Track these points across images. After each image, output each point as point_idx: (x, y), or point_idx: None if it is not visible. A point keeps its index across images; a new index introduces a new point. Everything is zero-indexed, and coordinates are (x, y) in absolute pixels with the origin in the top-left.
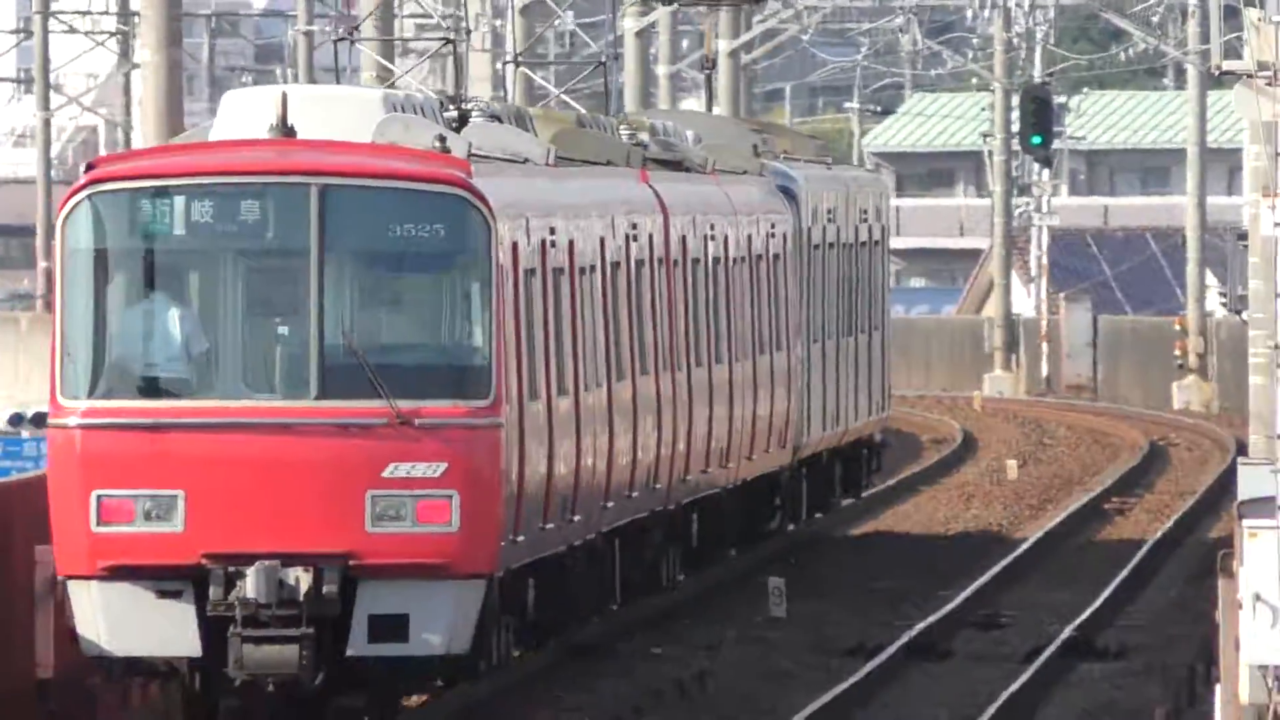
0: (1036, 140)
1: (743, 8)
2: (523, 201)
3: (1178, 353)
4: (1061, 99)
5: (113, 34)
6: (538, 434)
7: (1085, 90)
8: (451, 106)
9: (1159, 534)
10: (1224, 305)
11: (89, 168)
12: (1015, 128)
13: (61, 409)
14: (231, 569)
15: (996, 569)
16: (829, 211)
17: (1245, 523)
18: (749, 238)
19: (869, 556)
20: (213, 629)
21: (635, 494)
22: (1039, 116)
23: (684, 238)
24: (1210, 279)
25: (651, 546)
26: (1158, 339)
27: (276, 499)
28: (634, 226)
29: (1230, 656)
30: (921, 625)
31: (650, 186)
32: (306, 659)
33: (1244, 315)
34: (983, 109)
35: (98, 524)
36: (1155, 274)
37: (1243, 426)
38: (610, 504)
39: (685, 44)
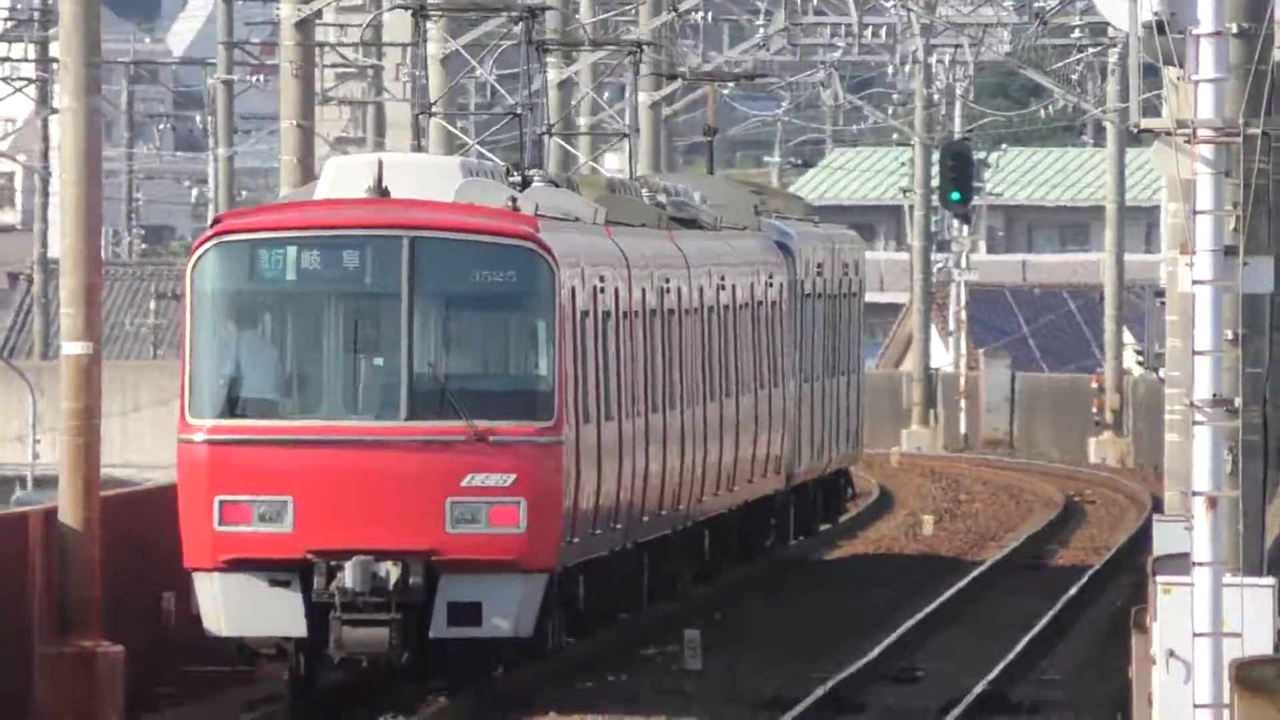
0: (955, 196)
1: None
2: (578, 254)
3: (1095, 409)
4: (981, 155)
5: (31, 81)
6: (590, 452)
7: (1004, 146)
8: (515, 173)
9: (1074, 589)
10: (1140, 363)
11: (215, 222)
12: (935, 183)
13: (190, 427)
14: (332, 563)
15: (912, 622)
16: (818, 265)
17: (1159, 579)
18: (752, 287)
19: (787, 608)
20: (316, 614)
21: (664, 511)
22: (958, 172)
23: (702, 288)
24: (1127, 336)
25: (673, 558)
26: (1075, 395)
27: (371, 504)
28: (666, 280)
29: (1144, 712)
30: (837, 679)
31: (676, 244)
32: (395, 640)
33: (1161, 373)
34: (902, 164)
35: (220, 524)
36: (1072, 330)
37: (1157, 482)
38: (645, 518)
39: (606, 95)
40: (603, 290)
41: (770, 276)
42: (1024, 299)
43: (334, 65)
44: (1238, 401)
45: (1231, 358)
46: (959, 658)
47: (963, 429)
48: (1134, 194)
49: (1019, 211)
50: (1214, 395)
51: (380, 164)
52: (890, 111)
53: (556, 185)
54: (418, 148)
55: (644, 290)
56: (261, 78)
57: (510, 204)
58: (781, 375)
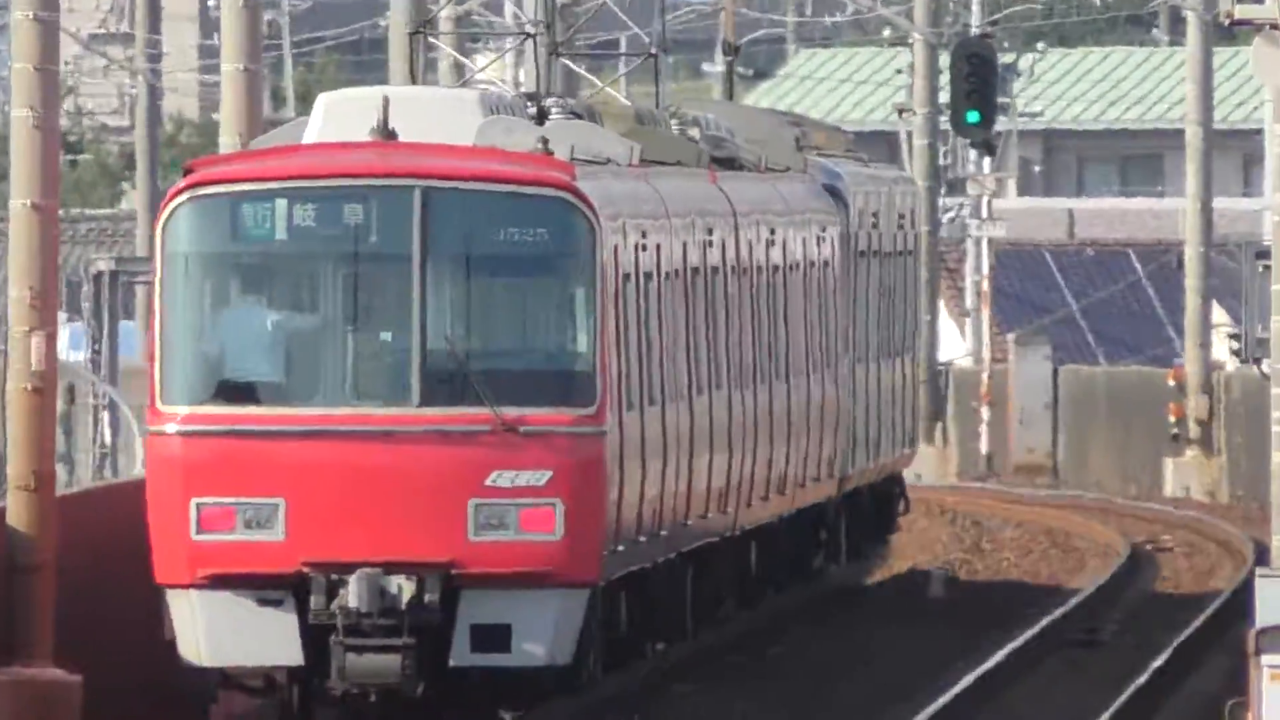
0: (974, 116)
1: None
2: (618, 204)
3: (1172, 418)
4: (1009, 58)
5: None
6: (634, 445)
7: (1042, 46)
8: (530, 104)
9: (1145, 676)
10: (1236, 352)
11: (187, 171)
12: (944, 98)
13: (161, 415)
14: (333, 577)
15: None
16: (874, 215)
17: (1265, 659)
18: (803, 242)
19: (739, 698)
20: (314, 639)
21: (709, 516)
22: (977, 84)
23: (750, 243)
24: (1218, 314)
25: (717, 573)
26: (1144, 399)
27: (378, 507)
28: (710, 231)
29: None
30: None
31: (719, 188)
32: (409, 669)
33: (1264, 366)
34: (898, 72)
35: (197, 532)
36: (1141, 307)
37: (1263, 522)
38: (689, 523)
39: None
40: (644, 249)
41: (823, 230)
42: (1071, 262)
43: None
44: None
45: None
46: None
47: (984, 448)
48: (1225, 113)
49: (1063, 138)
50: None
51: (386, 100)
52: None
53: (580, 117)
54: (410, 78)
55: (686, 246)
56: None
57: (541, 146)
58: (835, 354)
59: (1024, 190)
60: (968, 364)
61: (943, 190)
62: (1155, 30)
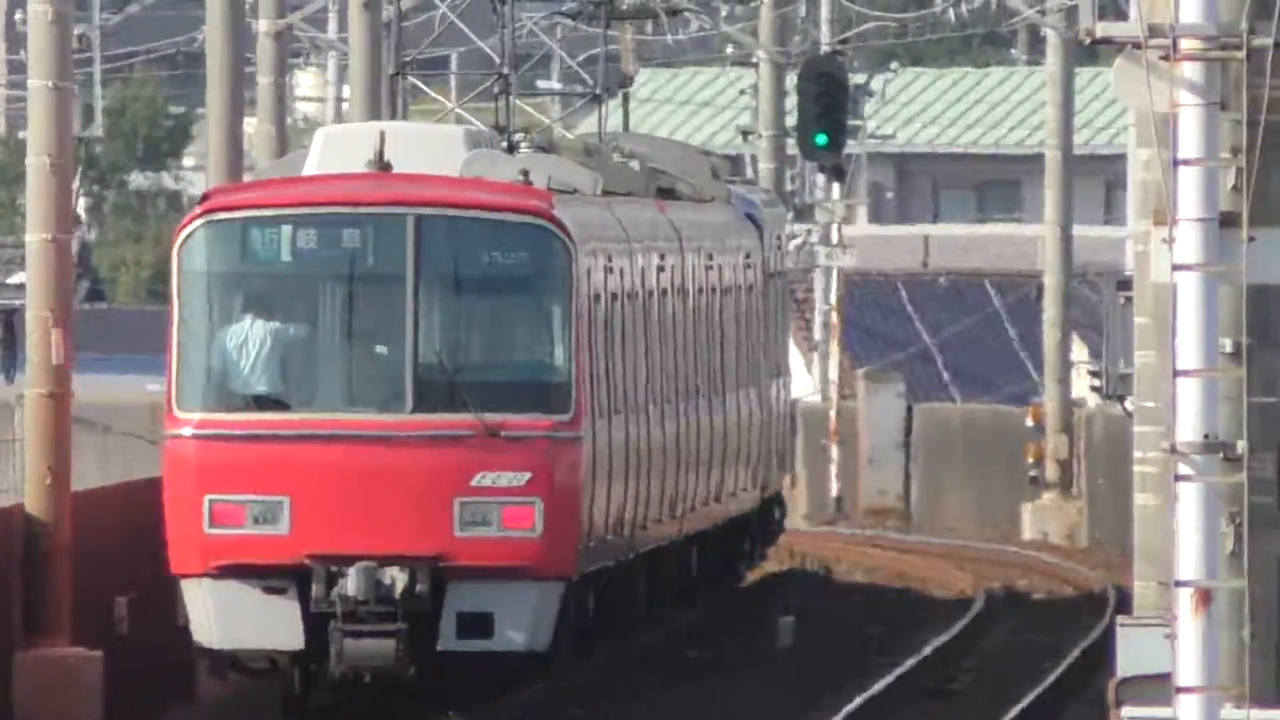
0: (823, 140)
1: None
2: (589, 231)
3: (1030, 459)
4: (860, 78)
5: None
6: (604, 450)
7: (895, 66)
8: (502, 138)
9: None
10: (1097, 389)
11: (204, 198)
12: (791, 120)
13: (177, 420)
14: (333, 569)
15: None
16: (778, 239)
17: (1125, 711)
18: (734, 268)
19: None
20: (314, 625)
21: (662, 520)
22: (826, 105)
23: (694, 268)
24: (1079, 349)
25: (667, 574)
26: (1001, 438)
27: (374, 504)
28: (663, 257)
29: None
30: None
31: (667, 218)
32: (402, 652)
33: (1127, 403)
34: (742, 93)
35: (209, 526)
36: (998, 341)
37: (1124, 568)
38: (646, 526)
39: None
40: (610, 272)
41: (747, 255)
42: (925, 293)
43: None
44: (1241, 446)
45: (1232, 381)
46: None
47: (833, 490)
48: (1086, 136)
49: (917, 163)
50: (1206, 437)
51: (382, 134)
52: (723, 13)
53: (545, 150)
54: (392, 114)
55: (644, 271)
56: None
57: (522, 178)
58: (759, 372)
59: (875, 217)
60: (813, 400)
61: (790, 217)
62: (1013, 50)
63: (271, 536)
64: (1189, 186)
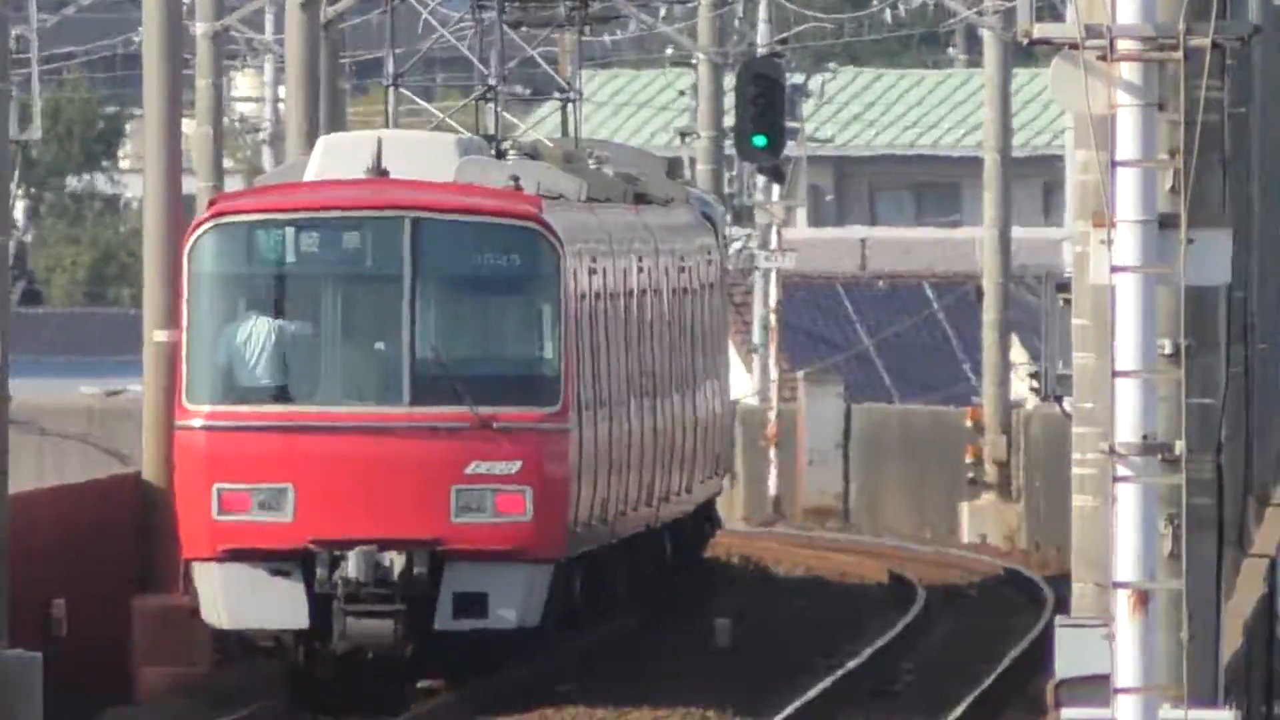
0: (761, 142)
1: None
2: (575, 234)
3: (969, 459)
4: (798, 79)
5: None
6: (590, 441)
7: (833, 67)
8: (490, 145)
9: None
10: (1036, 390)
11: (211, 203)
12: (729, 122)
13: (187, 412)
14: (335, 552)
15: None
16: (725, 237)
17: (1064, 713)
18: (698, 267)
19: None
20: (318, 605)
21: (639, 509)
22: (764, 106)
23: (667, 269)
24: (1018, 350)
25: (644, 560)
26: (940, 439)
27: (374, 492)
28: (640, 259)
29: None
30: None
31: (643, 221)
32: (400, 631)
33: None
34: (680, 93)
35: (219, 513)
36: (937, 342)
37: (1062, 568)
38: (626, 513)
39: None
40: (595, 273)
41: (708, 254)
42: (864, 296)
43: None
44: (1179, 447)
45: (1171, 382)
46: None
47: (772, 491)
48: (1025, 138)
49: (855, 165)
50: (1144, 438)
51: (379, 142)
52: (661, 13)
53: (531, 157)
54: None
55: (625, 272)
56: None
57: (513, 183)
58: (719, 366)
59: (814, 219)
60: (753, 402)
61: (729, 219)
62: (951, 50)
63: (277, 522)
64: (1127, 188)
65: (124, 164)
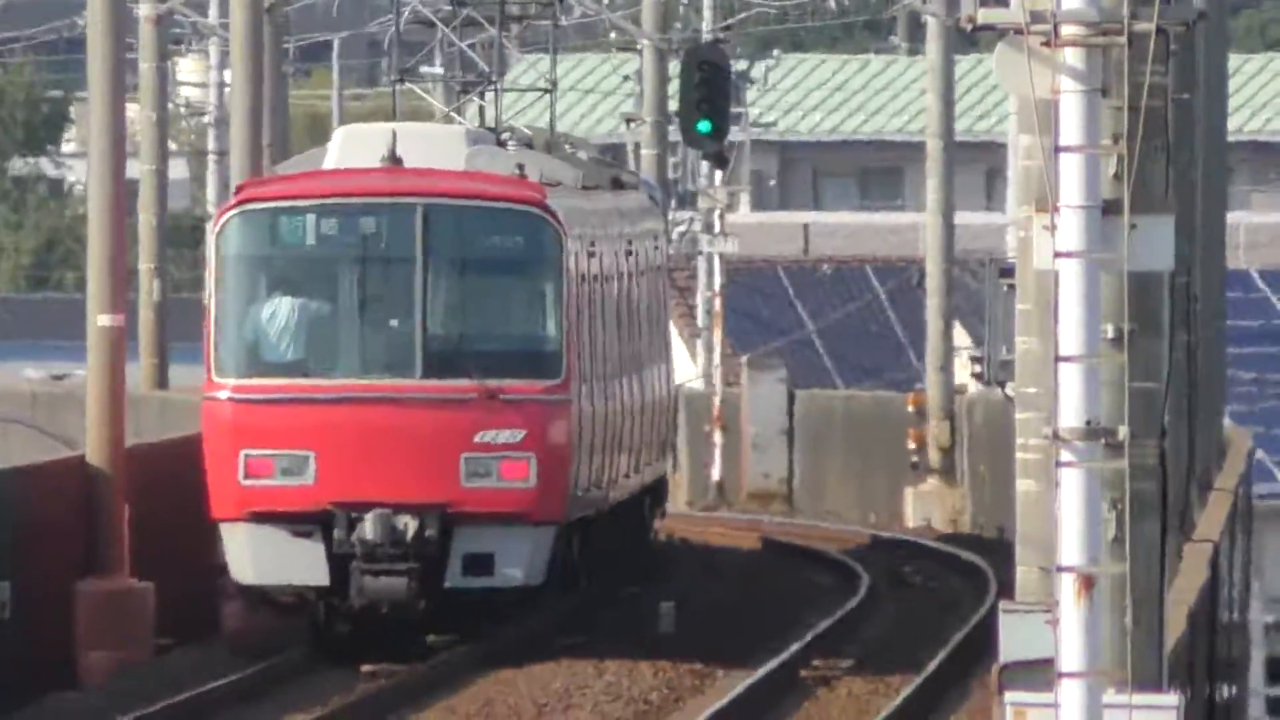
0: (705, 127)
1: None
2: (575, 219)
3: (913, 444)
4: (742, 65)
5: None
6: (587, 412)
7: (777, 53)
8: (490, 134)
9: (885, 714)
10: (979, 375)
11: (237, 190)
12: (674, 108)
13: (215, 385)
14: (353, 515)
15: None
16: (669, 221)
17: (1008, 696)
18: (655, 249)
19: None
20: (337, 564)
21: (628, 476)
22: (708, 92)
23: (638, 251)
24: (960, 335)
25: (633, 519)
26: (883, 424)
27: (388, 458)
28: (628, 244)
29: None
30: None
31: (619, 206)
32: (413, 589)
33: (1008, 389)
34: (625, 78)
35: (244, 478)
36: (880, 327)
37: (1006, 553)
38: (616, 481)
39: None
40: (592, 256)
41: (657, 237)
42: (807, 281)
43: None
44: (1123, 432)
45: (1114, 367)
46: None
47: (716, 475)
48: (968, 124)
49: (799, 150)
50: (1088, 423)
51: (394, 133)
52: (604, 0)
53: (529, 146)
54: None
55: (615, 254)
56: None
57: (518, 172)
58: (665, 350)
59: (758, 204)
60: (696, 386)
61: (672, 204)
62: (894, 37)
63: (299, 486)
64: (1071, 173)
65: (67, 148)
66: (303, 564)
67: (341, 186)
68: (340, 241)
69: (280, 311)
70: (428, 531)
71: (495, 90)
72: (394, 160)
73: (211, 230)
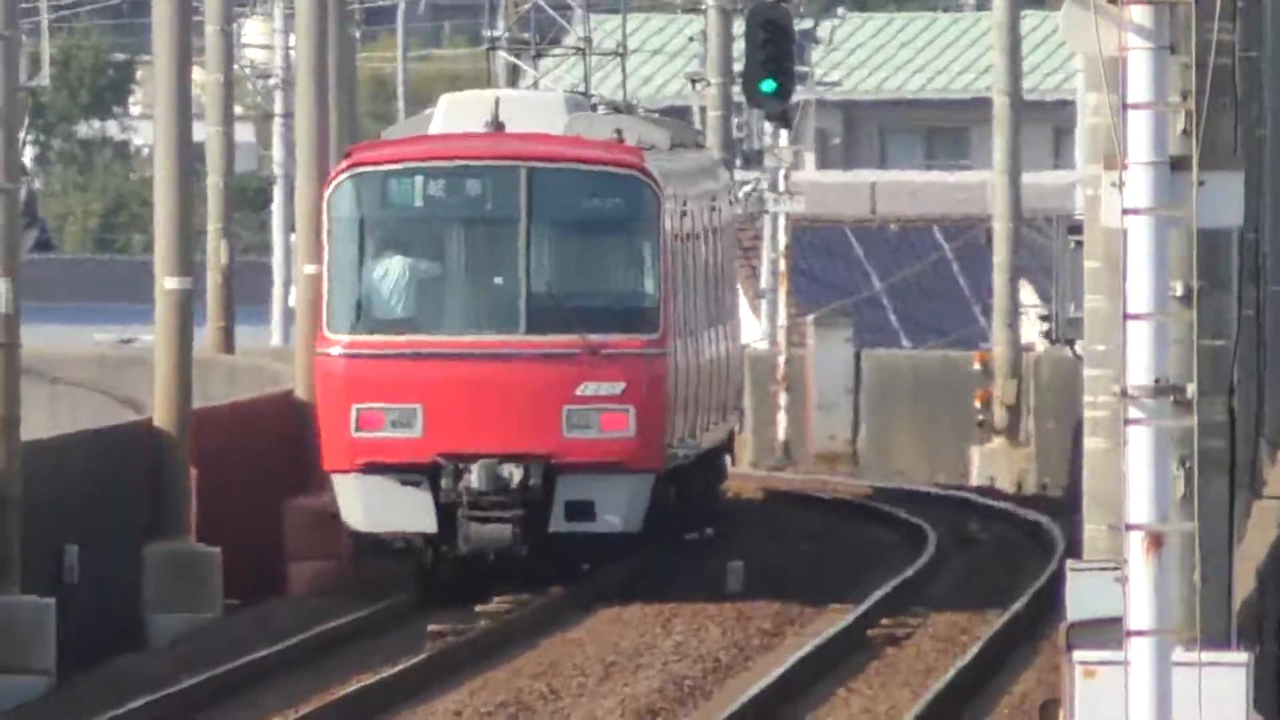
0: (770, 87)
1: None
2: (669, 180)
3: (979, 403)
4: (806, 24)
5: None
6: (683, 366)
7: (841, 12)
8: (586, 100)
9: (950, 674)
10: (1046, 334)
11: (347, 155)
12: (738, 68)
13: (328, 341)
14: (459, 465)
15: None
16: (733, 180)
17: (1076, 655)
18: (730, 205)
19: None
20: (444, 512)
21: (716, 425)
22: (773, 52)
23: (719, 208)
24: (1027, 293)
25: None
26: (949, 383)
27: (494, 411)
28: (712, 199)
29: None
30: None
31: (703, 167)
32: (517, 535)
33: (1077, 348)
34: (690, 39)
35: (356, 430)
36: (946, 286)
37: (1073, 512)
38: (705, 432)
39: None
40: (684, 215)
41: (733, 195)
42: (874, 239)
43: None
44: (1191, 389)
45: (1183, 324)
46: None
47: (781, 435)
48: (1034, 82)
49: (864, 110)
50: (1156, 381)
51: (497, 100)
52: None
53: (620, 111)
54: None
55: (701, 212)
56: None
57: (616, 136)
58: (736, 305)
59: (823, 164)
60: (762, 347)
61: (738, 164)
62: None
63: (408, 439)
64: (1139, 130)
65: (134, 110)
66: (412, 512)
67: (449, 150)
68: (447, 203)
69: (390, 270)
70: (531, 481)
71: (584, 56)
72: (497, 125)
73: (324, 192)
